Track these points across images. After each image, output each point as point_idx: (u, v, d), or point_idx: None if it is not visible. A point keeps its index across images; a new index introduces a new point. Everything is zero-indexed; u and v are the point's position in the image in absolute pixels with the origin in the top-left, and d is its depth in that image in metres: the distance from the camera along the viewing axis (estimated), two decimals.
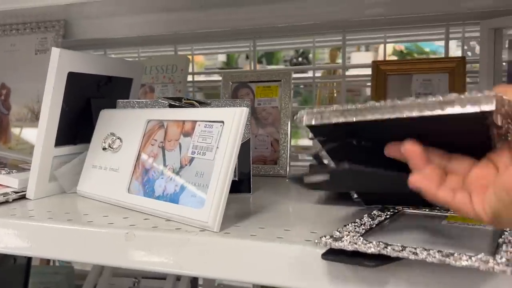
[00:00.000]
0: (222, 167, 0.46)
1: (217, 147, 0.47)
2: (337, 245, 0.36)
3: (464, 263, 0.32)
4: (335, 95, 1.02)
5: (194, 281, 0.93)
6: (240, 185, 0.64)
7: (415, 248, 0.34)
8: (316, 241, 0.38)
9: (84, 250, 0.47)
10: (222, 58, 2.32)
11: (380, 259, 0.35)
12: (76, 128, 0.66)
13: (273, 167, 0.79)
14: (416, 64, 0.79)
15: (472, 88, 0.84)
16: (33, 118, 0.88)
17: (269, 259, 0.41)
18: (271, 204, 0.57)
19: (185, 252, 0.44)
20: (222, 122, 0.48)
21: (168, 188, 0.51)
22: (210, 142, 0.49)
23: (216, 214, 0.45)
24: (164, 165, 0.53)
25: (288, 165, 0.79)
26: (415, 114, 0.34)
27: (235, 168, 0.64)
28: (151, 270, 0.44)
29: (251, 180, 0.65)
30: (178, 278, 0.92)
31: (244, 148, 0.64)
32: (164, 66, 0.94)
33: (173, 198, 0.50)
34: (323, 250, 0.38)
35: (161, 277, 0.93)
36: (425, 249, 0.34)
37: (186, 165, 0.50)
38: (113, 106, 0.67)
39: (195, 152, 0.50)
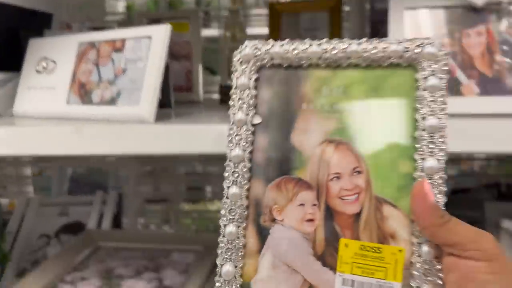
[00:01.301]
0: (153, 70, 0.57)
1: (147, 57, 0.58)
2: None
3: None
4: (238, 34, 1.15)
5: (120, 201, 1.03)
6: (162, 102, 0.76)
7: None
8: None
9: (36, 145, 0.56)
10: None
11: None
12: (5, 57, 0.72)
13: (189, 94, 0.92)
14: (303, 3, 0.94)
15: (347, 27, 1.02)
16: None
17: (195, 136, 0.54)
18: (191, 113, 0.70)
19: (128, 138, 0.55)
20: (150, 37, 0.59)
21: (106, 95, 0.61)
22: (140, 54, 0.59)
23: (151, 108, 0.56)
24: (100, 77, 0.62)
25: (201, 91, 0.91)
26: None
27: None
28: (101, 154, 0.55)
29: (172, 98, 0.76)
30: (103, 201, 1.02)
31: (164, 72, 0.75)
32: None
33: (111, 102, 0.60)
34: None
35: (87, 202, 1.02)
36: None
37: (120, 75, 0.61)
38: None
39: (127, 64, 0.60)
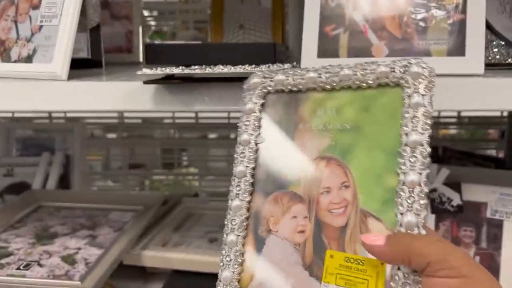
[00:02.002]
0: (66, 27, 0.57)
1: (61, 14, 0.58)
2: (151, 72, 0.51)
3: None
4: None
5: (66, 165, 1.04)
6: (92, 62, 0.76)
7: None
8: (138, 72, 0.52)
9: None
10: None
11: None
12: None
13: (129, 55, 0.91)
14: None
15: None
16: None
17: (107, 93, 0.54)
18: (119, 71, 0.70)
19: (41, 94, 0.55)
20: None
21: (23, 53, 0.61)
22: (55, 11, 0.59)
23: (63, 65, 0.57)
24: (18, 35, 0.62)
25: (141, 52, 0.91)
26: None
27: (88, 47, 0.75)
28: (12, 110, 0.56)
29: (102, 58, 0.76)
30: (50, 162, 1.03)
31: (94, 32, 0.75)
32: None
33: (28, 60, 0.60)
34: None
35: (34, 163, 1.02)
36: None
37: (36, 32, 0.60)
38: None
39: (43, 21, 0.60)
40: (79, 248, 0.73)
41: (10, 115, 1.09)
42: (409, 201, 0.36)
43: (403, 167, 0.37)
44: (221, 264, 0.43)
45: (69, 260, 0.70)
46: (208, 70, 0.49)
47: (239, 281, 0.42)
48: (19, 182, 1.00)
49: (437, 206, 0.66)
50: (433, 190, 0.66)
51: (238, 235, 0.43)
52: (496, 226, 0.64)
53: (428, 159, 0.37)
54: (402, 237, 0.36)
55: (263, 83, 0.46)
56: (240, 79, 0.49)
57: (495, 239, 0.64)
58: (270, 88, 0.46)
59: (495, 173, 0.69)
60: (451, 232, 0.67)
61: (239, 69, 0.48)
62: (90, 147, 1.19)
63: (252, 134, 0.45)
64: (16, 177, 1.01)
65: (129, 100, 0.54)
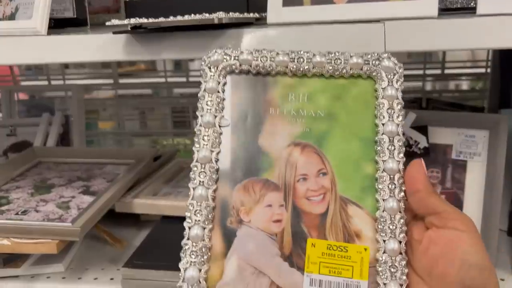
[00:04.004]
0: None
1: None
2: (119, 23, 0.54)
3: None
4: None
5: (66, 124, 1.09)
6: (78, 21, 0.79)
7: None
8: (107, 23, 0.55)
9: None
10: None
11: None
12: None
13: (116, 15, 0.95)
14: None
15: None
16: None
17: (83, 45, 0.58)
18: (104, 29, 0.74)
19: (23, 49, 0.60)
20: None
21: (7, 11, 0.65)
22: None
23: (42, 21, 0.60)
24: None
25: None
26: None
27: (73, 7, 0.79)
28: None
29: (87, 17, 0.80)
30: (50, 122, 1.08)
31: None
32: None
33: (11, 17, 0.64)
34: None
35: (35, 123, 1.08)
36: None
37: None
38: None
39: None
40: (73, 197, 0.79)
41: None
42: (390, 187, 0.38)
43: (382, 155, 0.39)
44: (185, 261, 0.38)
45: (63, 206, 0.75)
46: (172, 19, 0.52)
47: (206, 280, 0.38)
48: (21, 141, 1.06)
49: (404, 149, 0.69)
50: None
51: (204, 228, 0.39)
52: (461, 167, 0.67)
53: (404, 148, 0.40)
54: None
55: (226, 61, 0.43)
56: (207, 27, 0.52)
57: (459, 179, 0.67)
58: (234, 68, 0.44)
59: (461, 116, 0.72)
60: None
61: (198, 17, 0.51)
62: (87, 107, 1.23)
63: (216, 116, 0.42)
64: (19, 136, 1.07)
65: (103, 51, 0.57)
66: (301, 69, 0.42)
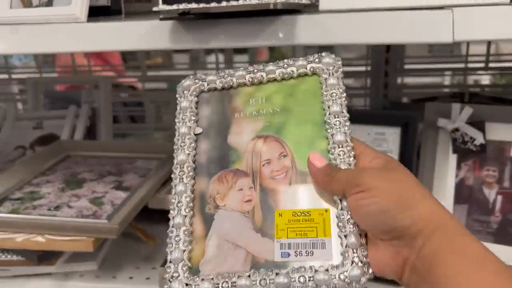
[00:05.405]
0: None
1: None
2: (167, 8, 0.51)
3: None
4: None
5: (93, 117, 1.07)
6: (112, 10, 0.76)
7: None
8: (155, 8, 0.52)
9: None
10: None
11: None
12: None
13: (148, 4, 0.91)
14: None
15: None
16: None
17: (125, 33, 0.55)
18: (138, 18, 0.71)
19: (60, 37, 0.57)
20: None
21: None
22: None
23: (82, 7, 0.57)
24: None
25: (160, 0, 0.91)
26: None
27: None
28: (37, 52, 0.57)
29: (122, 4, 0.77)
30: (76, 115, 1.05)
31: None
32: None
33: (48, 4, 0.61)
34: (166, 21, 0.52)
35: (61, 116, 1.05)
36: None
37: None
38: None
39: None
40: (106, 192, 0.76)
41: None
42: (340, 156, 0.44)
43: (330, 131, 0.45)
44: (170, 245, 0.44)
45: (97, 202, 0.72)
46: (224, 4, 0.49)
47: (190, 259, 0.43)
48: (48, 134, 1.04)
49: (459, 146, 0.65)
50: (455, 130, 0.65)
51: (185, 215, 0.45)
52: None
53: (349, 123, 0.46)
54: (338, 170, 0.43)
55: (196, 84, 0.52)
56: (255, 14, 0.49)
57: None
58: (203, 88, 0.52)
59: None
60: (473, 171, 0.66)
61: (254, 1, 0.48)
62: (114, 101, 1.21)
63: (190, 127, 0.50)
64: (45, 129, 1.04)
65: (147, 39, 0.54)
66: (257, 78, 0.50)
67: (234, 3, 0.49)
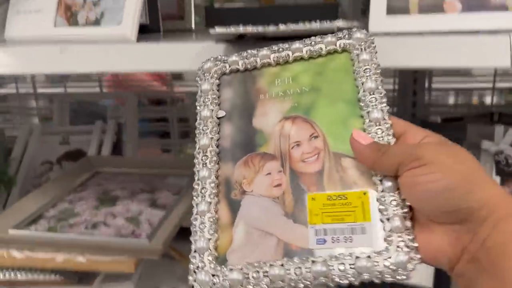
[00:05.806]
0: None
1: None
2: (224, 31, 0.51)
3: None
4: None
5: (118, 132, 1.06)
6: (150, 28, 0.76)
7: None
8: (211, 31, 0.52)
9: (26, 64, 0.58)
10: None
11: None
12: None
13: (181, 22, 0.91)
14: None
15: None
16: None
17: (174, 53, 0.55)
18: (175, 36, 0.71)
19: (110, 56, 0.56)
20: None
21: (90, 17, 0.62)
22: None
23: (132, 27, 0.57)
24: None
25: (193, 19, 0.91)
26: None
27: (146, 13, 0.76)
28: (85, 72, 0.57)
29: (160, 23, 0.77)
30: (103, 130, 1.05)
31: None
32: None
33: (96, 23, 0.61)
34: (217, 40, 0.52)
35: (87, 131, 1.05)
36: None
37: None
38: None
39: None
40: (141, 210, 0.75)
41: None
42: (378, 134, 0.41)
43: (365, 108, 0.42)
44: (194, 233, 0.40)
45: (134, 221, 0.72)
46: (282, 28, 0.49)
47: (216, 249, 0.40)
48: (75, 150, 1.03)
49: (502, 168, 0.65)
50: (499, 152, 0.65)
51: (210, 202, 0.42)
52: None
53: (385, 99, 0.42)
54: (388, 146, 0.39)
55: (217, 66, 0.48)
56: (306, 37, 0.49)
57: None
58: (225, 70, 0.48)
59: None
60: None
61: (314, 26, 0.48)
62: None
63: (212, 110, 0.47)
64: (72, 144, 1.04)
65: (200, 60, 0.54)
66: (283, 57, 0.47)
67: (293, 27, 0.49)
